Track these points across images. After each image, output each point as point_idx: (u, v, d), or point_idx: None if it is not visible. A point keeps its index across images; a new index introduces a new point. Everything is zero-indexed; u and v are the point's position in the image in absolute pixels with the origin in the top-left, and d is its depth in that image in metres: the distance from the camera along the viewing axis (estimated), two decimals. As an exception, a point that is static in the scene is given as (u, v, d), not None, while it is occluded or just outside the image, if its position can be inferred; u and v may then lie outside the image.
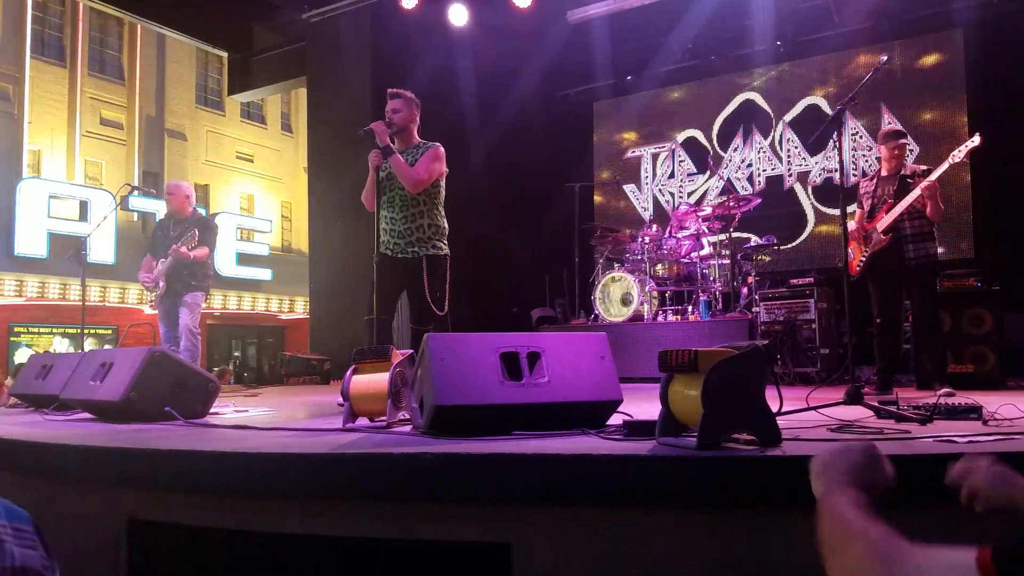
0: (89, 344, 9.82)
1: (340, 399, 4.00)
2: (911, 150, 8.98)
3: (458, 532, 2.15)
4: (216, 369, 18.84)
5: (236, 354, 18.07)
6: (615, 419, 2.80)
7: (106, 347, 18.09)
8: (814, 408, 2.85)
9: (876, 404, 3.03)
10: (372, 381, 3.23)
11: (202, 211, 6.92)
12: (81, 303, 7.24)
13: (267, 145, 24.15)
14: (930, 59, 9.41)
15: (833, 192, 9.66)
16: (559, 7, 9.56)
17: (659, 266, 7.95)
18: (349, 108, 9.84)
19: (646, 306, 7.70)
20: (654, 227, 8.35)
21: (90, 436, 3.04)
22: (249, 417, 3.91)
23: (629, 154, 11.48)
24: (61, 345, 18.28)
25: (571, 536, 2.02)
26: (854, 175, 9.43)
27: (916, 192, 5.05)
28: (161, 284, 6.38)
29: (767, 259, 8.62)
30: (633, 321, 7.61)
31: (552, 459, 2.05)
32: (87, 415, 4.03)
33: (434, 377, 2.69)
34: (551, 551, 2.05)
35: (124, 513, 2.59)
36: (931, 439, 2.23)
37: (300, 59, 11.25)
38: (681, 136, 11.03)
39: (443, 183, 4.71)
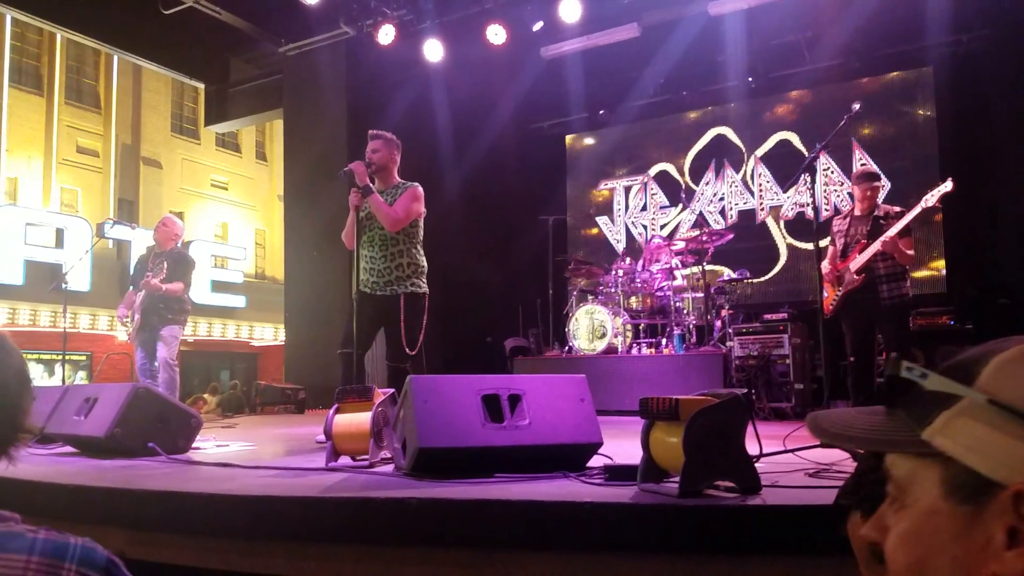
0: (65, 370, 9.79)
1: (319, 433, 4.04)
2: (884, 187, 9.19)
3: (443, 576, 2.18)
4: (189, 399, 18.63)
5: (215, 383, 17.88)
6: (595, 461, 2.84)
7: (80, 373, 17.91)
8: (792, 451, 2.92)
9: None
10: (354, 421, 3.25)
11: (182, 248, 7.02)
12: (63, 332, 7.24)
13: (241, 173, 24.14)
14: (901, 96, 9.62)
15: (805, 227, 9.82)
16: (533, 43, 9.70)
17: (633, 299, 8.03)
18: (325, 141, 9.91)
19: (620, 339, 7.77)
20: (627, 260, 8.45)
21: (79, 474, 3.04)
22: (231, 453, 3.91)
23: (602, 186, 11.62)
24: (36, 371, 18.05)
25: (555, 582, 2.06)
26: (826, 210, 9.62)
27: (876, 245, 5.16)
28: (136, 317, 6.39)
29: (741, 292, 8.73)
30: (607, 353, 7.67)
31: (537, 505, 2.09)
32: (70, 448, 4.03)
33: (417, 419, 2.72)
34: (535, 596, 2.08)
35: (113, 551, 2.59)
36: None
37: (277, 91, 11.30)
38: (654, 170, 11.19)
39: (422, 223, 4.78)
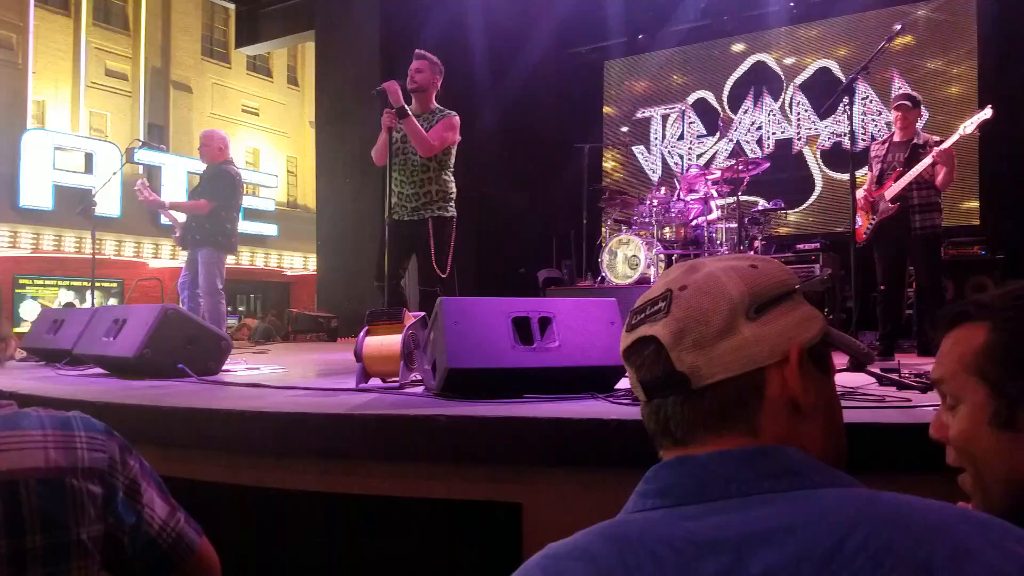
0: (96, 297, 9.88)
1: (350, 359, 4.07)
2: (921, 116, 8.92)
3: (469, 491, 2.21)
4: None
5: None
6: (624, 383, 2.84)
7: (111, 300, 18.23)
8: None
9: (878, 371, 3.07)
10: (385, 343, 3.26)
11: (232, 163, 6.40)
12: (91, 256, 7.14)
13: (273, 99, 24.01)
14: (942, 23, 9.29)
15: (842, 156, 9.62)
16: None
17: (667, 229, 7.96)
18: (358, 64, 9.78)
19: (652, 269, 7.73)
20: (662, 190, 8.33)
21: (107, 393, 3.09)
22: (262, 375, 3.94)
23: (639, 114, 11.41)
24: (66, 297, 18.40)
25: (580, 498, 2.09)
26: (863, 139, 9.39)
27: (927, 160, 5.05)
28: (176, 235, 6.17)
29: (775, 223, 8.59)
30: (640, 284, 7.64)
31: (563, 423, 2.10)
32: (99, 370, 4.06)
33: (447, 340, 2.72)
34: (560, 511, 2.11)
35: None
36: (932, 407, 2.27)
37: (308, 12, 11.15)
38: (691, 97, 10.95)
39: (454, 150, 4.71)
